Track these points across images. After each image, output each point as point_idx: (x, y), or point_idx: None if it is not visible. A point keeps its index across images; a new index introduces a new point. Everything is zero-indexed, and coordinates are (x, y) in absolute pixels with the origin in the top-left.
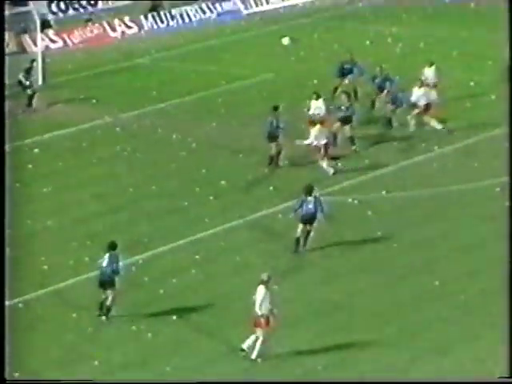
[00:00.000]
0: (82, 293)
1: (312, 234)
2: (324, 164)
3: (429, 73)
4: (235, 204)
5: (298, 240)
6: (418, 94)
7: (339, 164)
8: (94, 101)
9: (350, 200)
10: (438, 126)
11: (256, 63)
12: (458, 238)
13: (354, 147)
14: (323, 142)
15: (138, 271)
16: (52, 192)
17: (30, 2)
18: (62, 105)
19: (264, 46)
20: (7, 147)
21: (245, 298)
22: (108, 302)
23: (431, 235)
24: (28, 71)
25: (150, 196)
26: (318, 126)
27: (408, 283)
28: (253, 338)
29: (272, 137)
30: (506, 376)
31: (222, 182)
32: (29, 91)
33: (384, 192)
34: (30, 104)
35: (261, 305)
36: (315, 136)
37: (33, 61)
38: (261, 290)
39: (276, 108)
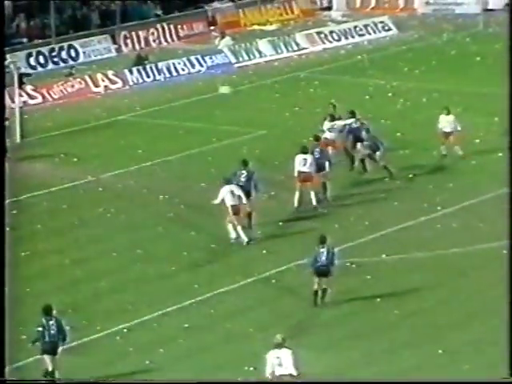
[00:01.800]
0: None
1: (329, 290)
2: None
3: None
4: (226, 268)
5: (316, 293)
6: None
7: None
8: (76, 159)
9: (347, 264)
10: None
11: (248, 119)
12: (462, 305)
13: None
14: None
15: (123, 341)
16: (30, 256)
17: (8, 56)
18: (40, 164)
19: (256, 101)
20: None
21: (238, 369)
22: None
23: (433, 302)
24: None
25: (135, 261)
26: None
27: (410, 352)
28: None
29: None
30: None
31: (212, 246)
32: None
33: (384, 255)
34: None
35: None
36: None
37: (6, 119)
38: (282, 353)
39: (246, 163)
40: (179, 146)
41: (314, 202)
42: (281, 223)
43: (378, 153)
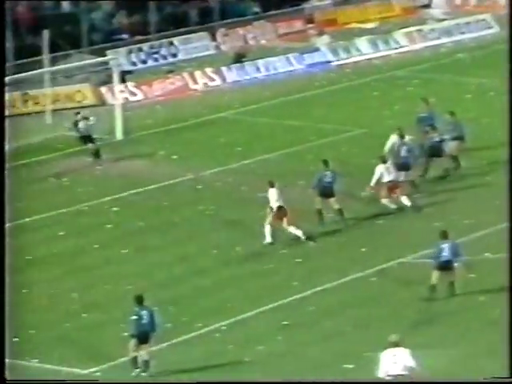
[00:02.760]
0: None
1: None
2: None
3: None
4: (325, 266)
5: (433, 287)
6: None
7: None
8: (175, 157)
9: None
10: None
11: (347, 118)
12: None
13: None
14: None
15: (222, 338)
16: (132, 254)
17: (109, 53)
18: (141, 161)
19: (355, 100)
20: (87, 205)
21: (336, 367)
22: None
23: None
24: (76, 124)
25: (235, 258)
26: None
27: None
28: None
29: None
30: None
31: (311, 243)
32: (91, 145)
33: (487, 254)
34: (98, 156)
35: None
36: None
37: (77, 113)
38: (397, 352)
39: (327, 163)
40: (278, 144)
41: (408, 203)
42: (381, 221)
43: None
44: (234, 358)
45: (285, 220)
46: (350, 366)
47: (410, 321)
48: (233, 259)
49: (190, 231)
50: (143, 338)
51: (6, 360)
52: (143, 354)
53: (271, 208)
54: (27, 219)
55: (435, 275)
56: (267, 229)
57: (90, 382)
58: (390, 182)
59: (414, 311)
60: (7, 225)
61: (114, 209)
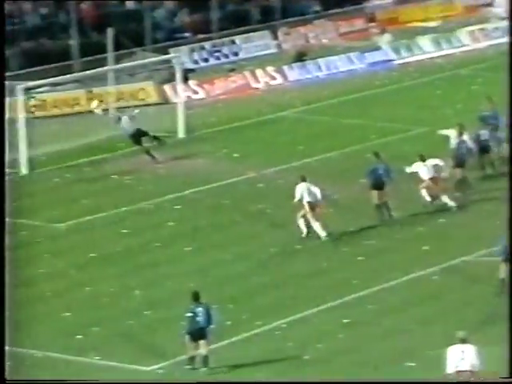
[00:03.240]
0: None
1: None
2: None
3: None
4: (387, 265)
5: (503, 281)
6: None
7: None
8: (237, 155)
9: None
10: None
11: (409, 116)
12: None
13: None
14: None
15: (282, 335)
16: (193, 252)
17: (171, 51)
18: (203, 159)
19: (418, 98)
20: (149, 203)
21: (397, 365)
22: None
23: None
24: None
25: (295, 256)
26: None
27: None
28: None
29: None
30: (506, 376)
31: (372, 242)
32: (146, 144)
33: None
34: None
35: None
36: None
37: (119, 118)
38: (465, 348)
39: (378, 155)
40: (339, 142)
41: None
42: (442, 219)
43: None
44: (294, 355)
45: (312, 215)
46: (412, 364)
47: (473, 319)
48: (293, 257)
49: (251, 229)
50: (199, 334)
51: (71, 357)
52: (202, 350)
53: (301, 201)
54: (90, 217)
55: (502, 268)
56: (301, 222)
57: (90, 383)
58: (430, 179)
59: (477, 309)
60: (73, 221)
61: (176, 207)
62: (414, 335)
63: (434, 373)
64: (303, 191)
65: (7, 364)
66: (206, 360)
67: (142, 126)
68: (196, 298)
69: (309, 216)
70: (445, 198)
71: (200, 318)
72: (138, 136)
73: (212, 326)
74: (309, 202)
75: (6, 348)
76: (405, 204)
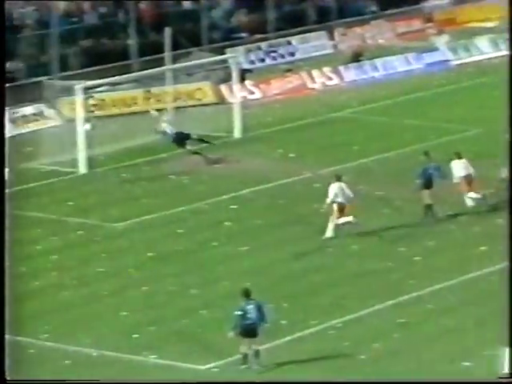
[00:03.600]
0: None
1: None
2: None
3: None
4: (443, 264)
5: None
6: None
7: None
8: (292, 155)
9: None
10: None
11: (466, 117)
12: None
13: None
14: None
15: (338, 335)
16: (249, 251)
17: (228, 51)
18: (259, 159)
19: (475, 99)
20: (205, 203)
21: (453, 364)
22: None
23: None
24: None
25: (351, 256)
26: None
27: None
28: None
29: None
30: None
31: (429, 242)
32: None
33: None
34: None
35: None
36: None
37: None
38: None
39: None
40: (395, 143)
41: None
42: (500, 220)
43: None
44: (349, 355)
45: (338, 215)
46: (468, 364)
47: None
48: (349, 257)
49: (307, 229)
50: (249, 332)
51: (127, 356)
52: (253, 348)
53: (333, 202)
54: (147, 216)
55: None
56: (330, 224)
57: (90, 383)
58: (465, 176)
59: None
60: (131, 221)
61: (232, 207)
62: (470, 335)
63: (489, 373)
64: (337, 191)
65: (65, 362)
66: (257, 355)
67: (197, 126)
68: (247, 294)
69: (334, 215)
70: (471, 195)
71: (251, 316)
72: (180, 140)
73: (266, 325)
74: (339, 203)
75: (65, 346)
76: (461, 204)
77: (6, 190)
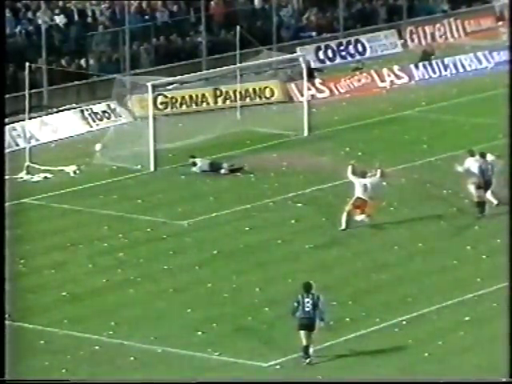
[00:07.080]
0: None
1: None
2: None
3: None
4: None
5: None
6: None
7: None
8: (360, 153)
9: None
10: None
11: None
12: None
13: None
14: None
15: (401, 333)
16: (314, 249)
17: (297, 49)
18: (326, 157)
19: None
20: (271, 200)
21: None
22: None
23: None
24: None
25: (416, 254)
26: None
27: None
28: None
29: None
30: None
31: (497, 241)
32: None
33: None
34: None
35: None
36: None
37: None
38: None
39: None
40: (465, 141)
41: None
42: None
43: None
44: (414, 353)
45: (359, 211)
46: None
47: None
48: (414, 255)
49: (372, 227)
50: (306, 325)
51: (191, 353)
52: (310, 341)
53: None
54: (213, 214)
55: None
56: (344, 216)
57: (89, 382)
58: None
59: None
60: (197, 218)
61: (298, 204)
62: None
63: None
64: (359, 185)
65: (130, 359)
66: (306, 350)
67: (265, 124)
68: (307, 289)
69: (349, 206)
70: (488, 194)
71: (307, 309)
72: (214, 170)
73: (325, 320)
74: (360, 199)
75: (129, 343)
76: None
77: (78, 187)
